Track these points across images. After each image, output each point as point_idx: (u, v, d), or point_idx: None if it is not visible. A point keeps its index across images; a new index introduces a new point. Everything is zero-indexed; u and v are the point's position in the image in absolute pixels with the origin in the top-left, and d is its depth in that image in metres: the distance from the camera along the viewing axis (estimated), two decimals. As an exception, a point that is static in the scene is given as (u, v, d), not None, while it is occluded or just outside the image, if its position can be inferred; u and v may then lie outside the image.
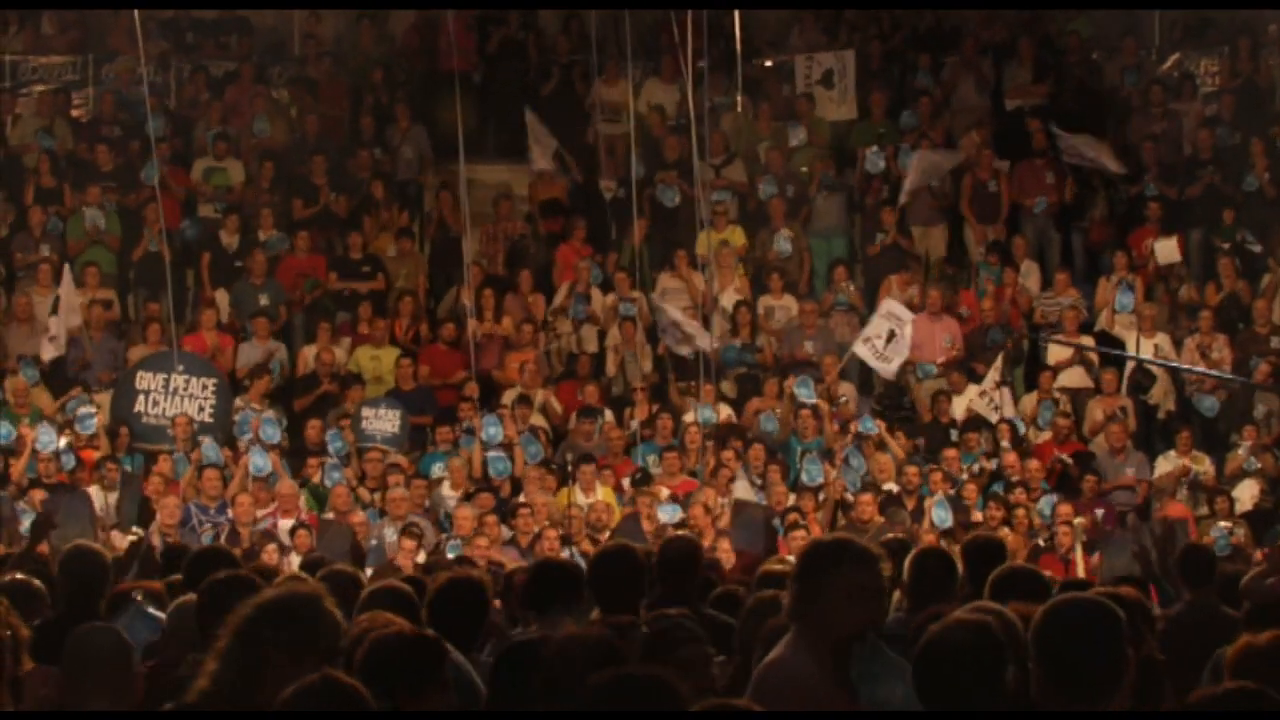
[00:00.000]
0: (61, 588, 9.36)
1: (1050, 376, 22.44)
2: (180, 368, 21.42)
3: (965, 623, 5.83)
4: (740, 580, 11.94)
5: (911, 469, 20.20)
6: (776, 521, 19.10)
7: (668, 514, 18.91)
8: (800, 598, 6.50)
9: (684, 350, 22.02)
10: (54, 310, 22.01)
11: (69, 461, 19.96)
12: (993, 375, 21.93)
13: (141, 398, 21.42)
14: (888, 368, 22.12)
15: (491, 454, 20.44)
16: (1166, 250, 23.40)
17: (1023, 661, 5.82)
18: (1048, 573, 10.76)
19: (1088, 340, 22.73)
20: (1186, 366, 22.10)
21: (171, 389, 21.36)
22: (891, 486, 20.20)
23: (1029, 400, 22.39)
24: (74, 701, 6.70)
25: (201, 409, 21.39)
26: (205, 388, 21.51)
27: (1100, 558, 18.22)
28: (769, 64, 26.29)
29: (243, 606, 5.75)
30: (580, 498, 19.72)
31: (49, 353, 21.87)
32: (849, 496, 19.68)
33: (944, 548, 11.62)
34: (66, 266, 22.50)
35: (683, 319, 21.96)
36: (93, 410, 20.84)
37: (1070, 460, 20.86)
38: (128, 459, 20.55)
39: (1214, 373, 21.94)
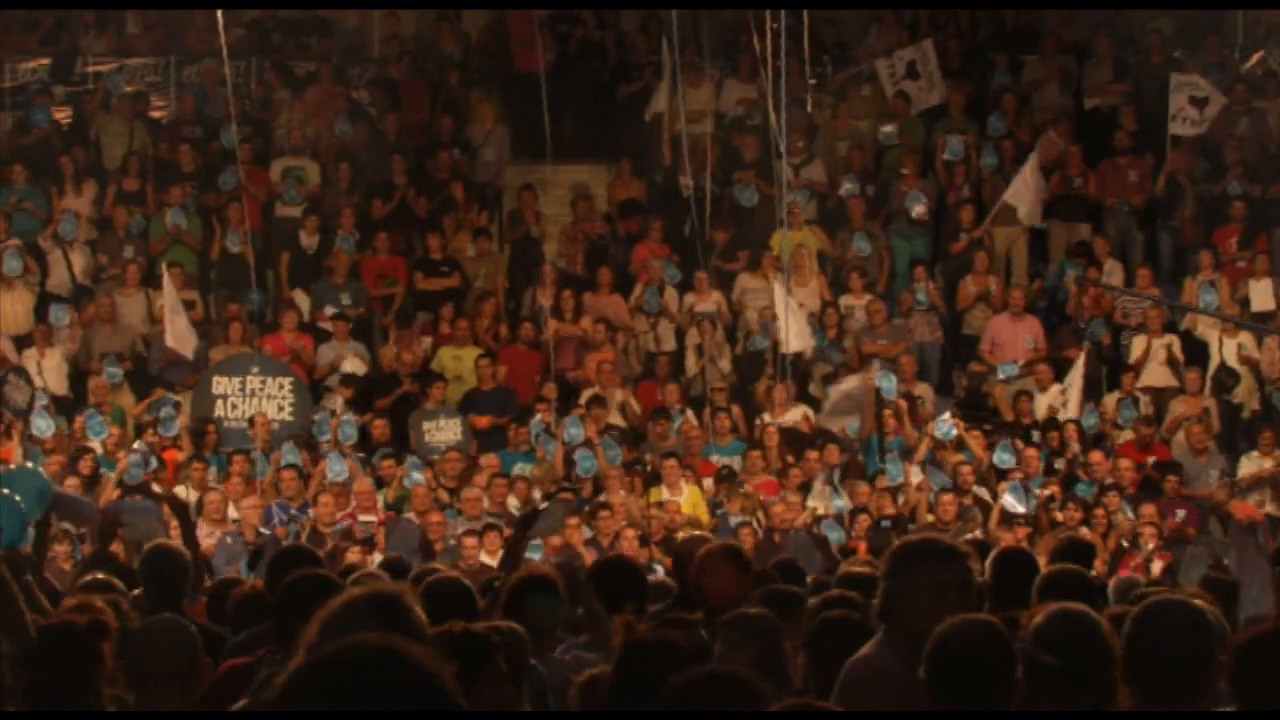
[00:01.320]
0: (144, 587, 9.41)
1: (1133, 377, 22.29)
2: (255, 369, 21.48)
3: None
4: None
5: (966, 468, 20.16)
6: (839, 536, 18.98)
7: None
8: (886, 596, 6.50)
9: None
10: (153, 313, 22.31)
11: (151, 463, 20.04)
12: (1073, 375, 21.78)
13: (220, 402, 21.48)
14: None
15: (579, 452, 20.46)
16: (1261, 295, 23.18)
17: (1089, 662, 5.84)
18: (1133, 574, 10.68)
19: (1173, 340, 22.56)
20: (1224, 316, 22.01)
21: (248, 391, 21.43)
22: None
23: (1110, 400, 22.25)
24: (139, 695, 6.71)
25: (280, 408, 21.47)
26: (282, 387, 21.58)
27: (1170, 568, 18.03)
28: (848, 73, 26.22)
29: (330, 604, 5.76)
30: (665, 494, 19.71)
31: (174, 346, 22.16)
32: (930, 498, 19.65)
33: (1026, 547, 11.54)
34: (165, 268, 22.66)
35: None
36: (174, 412, 20.97)
37: (1152, 469, 20.80)
38: (213, 459, 20.64)
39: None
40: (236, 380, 21.43)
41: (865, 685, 6.39)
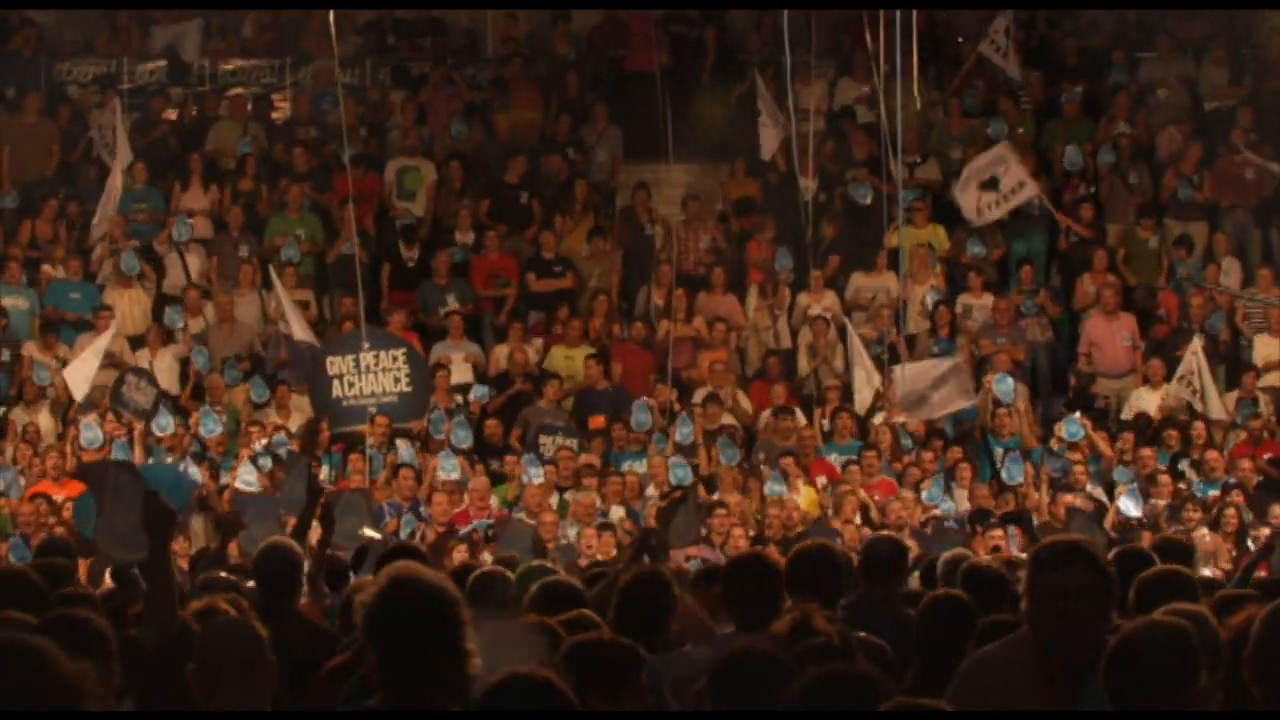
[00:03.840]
0: (256, 584, 9.45)
1: (1254, 376, 22.02)
2: (366, 345, 21.35)
3: (1160, 624, 5.79)
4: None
5: (1079, 468, 19.94)
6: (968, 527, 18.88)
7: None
8: (1027, 597, 6.42)
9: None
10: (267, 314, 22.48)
11: (266, 464, 20.14)
12: (1189, 362, 21.50)
13: (336, 382, 21.35)
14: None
15: (673, 460, 20.38)
16: None
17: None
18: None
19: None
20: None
21: (363, 367, 21.24)
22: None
23: (1229, 399, 21.98)
24: (204, 694, 6.70)
25: (397, 380, 21.19)
26: (395, 359, 21.32)
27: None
28: (961, 73, 26.12)
29: None
30: (782, 490, 19.63)
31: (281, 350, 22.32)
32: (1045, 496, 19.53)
33: (1144, 549, 11.42)
34: (273, 269, 22.81)
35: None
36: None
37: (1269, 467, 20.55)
38: (326, 458, 20.70)
39: None
40: (350, 358, 21.23)
41: (979, 676, 6.37)
